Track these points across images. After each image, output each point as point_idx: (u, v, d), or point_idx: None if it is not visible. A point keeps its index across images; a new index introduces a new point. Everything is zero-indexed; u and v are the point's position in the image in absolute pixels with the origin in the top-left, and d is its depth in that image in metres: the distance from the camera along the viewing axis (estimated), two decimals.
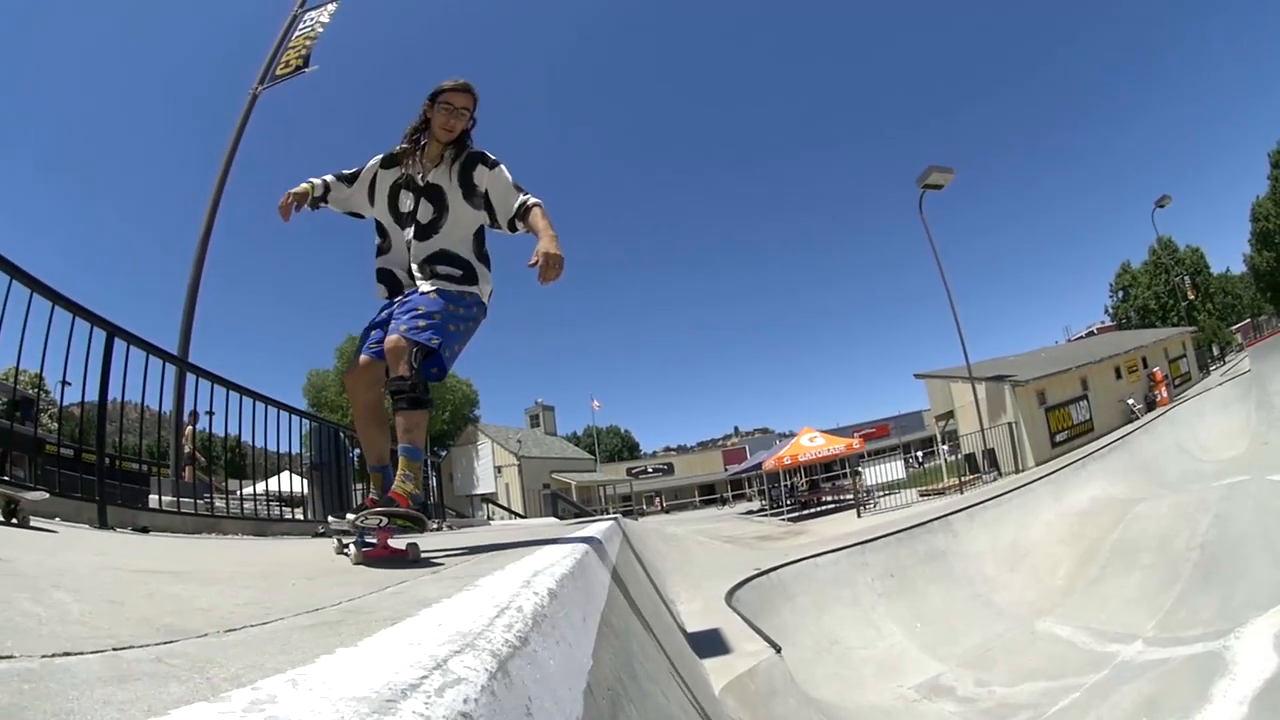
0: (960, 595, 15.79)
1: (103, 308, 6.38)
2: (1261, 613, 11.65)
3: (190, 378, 9.27)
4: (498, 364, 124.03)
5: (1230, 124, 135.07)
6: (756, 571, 13.70)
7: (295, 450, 11.92)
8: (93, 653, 1.24)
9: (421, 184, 4.09)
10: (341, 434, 11.44)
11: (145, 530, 6.56)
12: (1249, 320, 64.76)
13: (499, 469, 54.48)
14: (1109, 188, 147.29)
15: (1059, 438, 27.93)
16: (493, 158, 4.09)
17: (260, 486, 11.99)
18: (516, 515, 31.76)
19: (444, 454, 53.20)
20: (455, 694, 1.07)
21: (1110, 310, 73.06)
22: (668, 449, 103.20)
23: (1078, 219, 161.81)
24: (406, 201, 4.12)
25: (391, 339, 3.62)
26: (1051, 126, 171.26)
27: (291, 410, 10.07)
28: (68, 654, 1.22)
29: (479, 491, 44.58)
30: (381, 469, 4.01)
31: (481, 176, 4.06)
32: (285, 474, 12.76)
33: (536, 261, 3.62)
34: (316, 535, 8.13)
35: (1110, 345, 37.51)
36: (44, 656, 1.19)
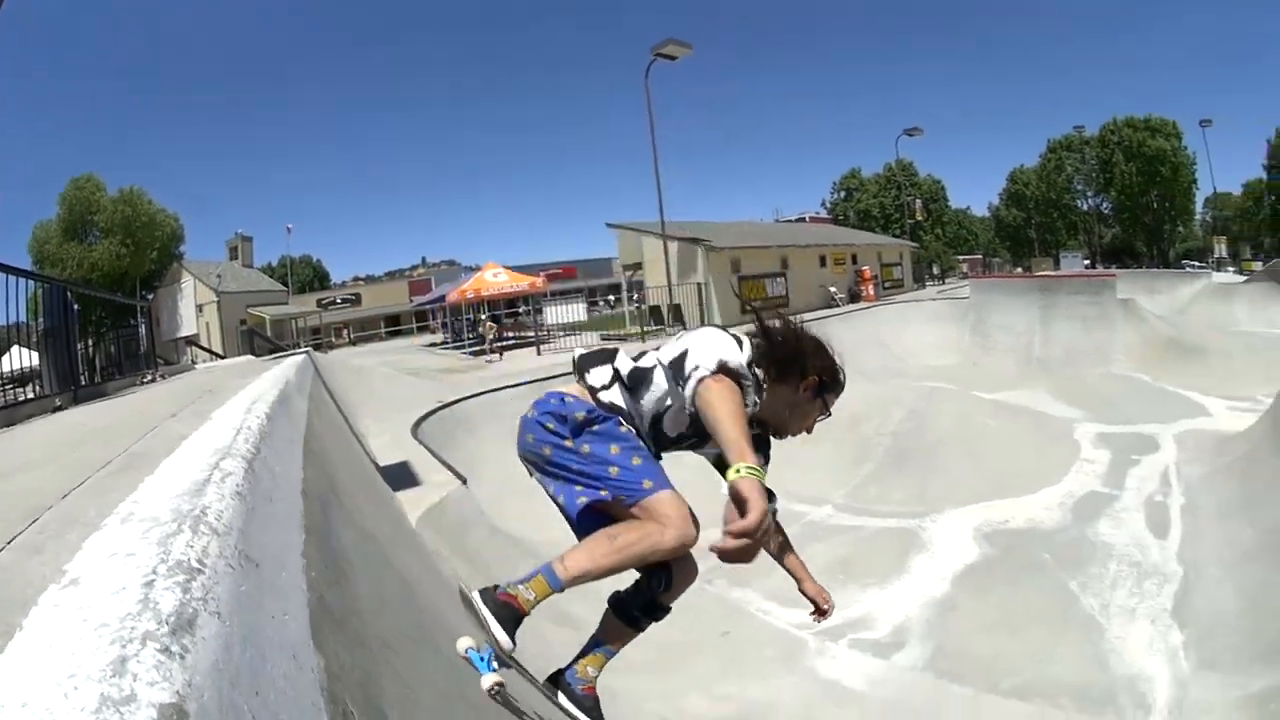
0: None
1: None
2: (959, 507, 12.92)
3: None
4: (203, 194, 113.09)
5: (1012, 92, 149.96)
6: (440, 404, 14.05)
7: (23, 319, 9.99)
8: None
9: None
10: (69, 293, 10.00)
11: None
12: (981, 256, 73.69)
13: (200, 308, 53.07)
14: (870, 106, 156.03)
15: (749, 305, 29.33)
16: None
17: None
18: (217, 356, 31.69)
19: (150, 296, 48.77)
20: (232, 480, 1.98)
21: (828, 204, 78.61)
22: (356, 279, 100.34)
23: (824, 121, 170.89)
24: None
25: None
26: (838, 33, 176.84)
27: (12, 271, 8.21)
28: None
29: (183, 334, 43.93)
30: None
31: None
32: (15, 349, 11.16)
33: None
34: (54, 410, 7.66)
35: (820, 235, 39.88)
36: None
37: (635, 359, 3.24)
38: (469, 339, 34.77)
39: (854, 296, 34.51)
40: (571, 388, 3.22)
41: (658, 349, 3.24)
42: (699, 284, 28.84)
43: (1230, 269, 53.34)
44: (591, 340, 25.90)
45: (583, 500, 2.99)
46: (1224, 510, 11.60)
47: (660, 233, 28.95)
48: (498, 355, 23.32)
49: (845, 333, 25.63)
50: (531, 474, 3.27)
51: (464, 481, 9.39)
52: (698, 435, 3.10)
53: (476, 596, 3.16)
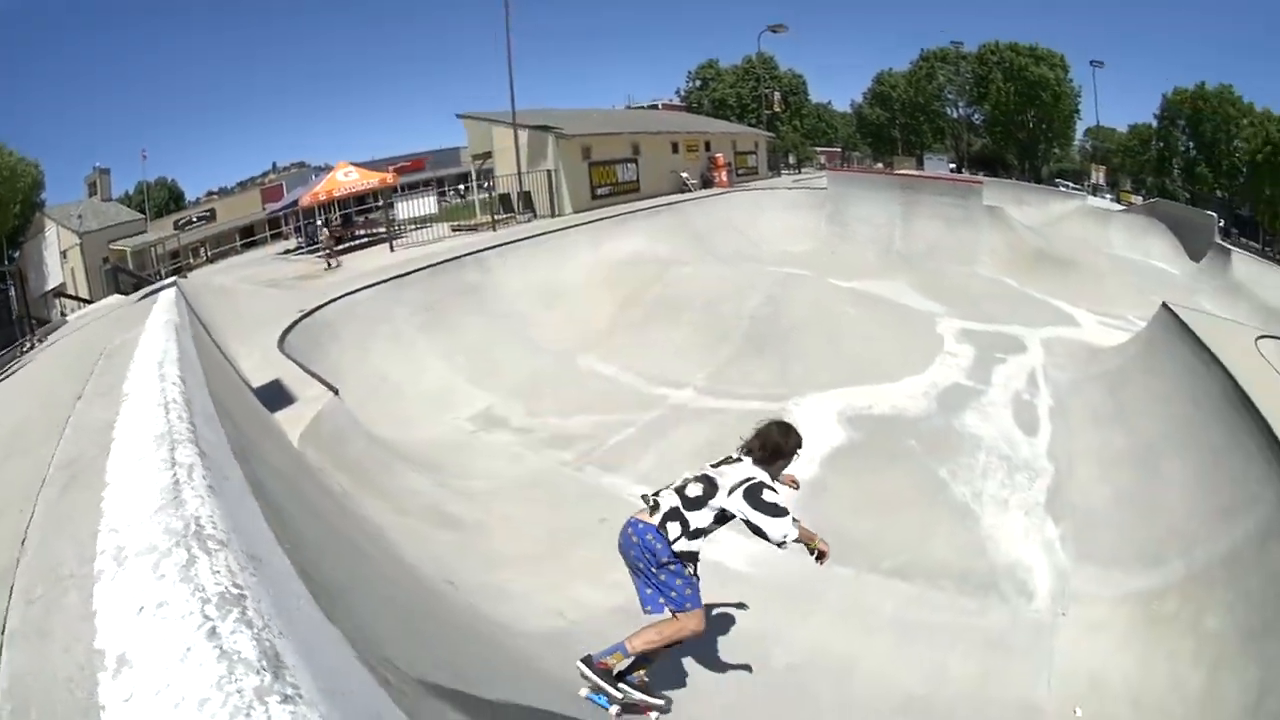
0: (499, 329, 16.09)
1: None
2: (821, 391, 12.80)
3: None
4: (56, 131, 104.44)
5: None
6: (301, 314, 14.02)
7: None
8: None
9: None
10: None
11: None
12: (840, 149, 74.06)
13: (64, 254, 49.19)
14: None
15: (600, 191, 29.45)
16: None
17: None
18: (85, 302, 29.67)
19: (16, 255, 46.30)
20: (197, 473, 1.92)
21: (682, 94, 77.62)
22: (210, 194, 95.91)
23: (681, 10, 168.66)
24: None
25: None
26: None
27: None
28: None
29: (50, 286, 40.33)
30: None
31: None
32: None
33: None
34: None
35: (673, 122, 39.31)
36: None
37: (691, 510, 4.86)
38: (323, 241, 34.28)
39: (707, 183, 34.14)
40: (649, 518, 4.90)
41: (710, 497, 4.87)
42: (549, 171, 28.42)
43: (1107, 196, 55.30)
44: (443, 231, 26.06)
45: (649, 605, 4.92)
46: (1095, 417, 11.81)
47: (511, 122, 28.77)
48: (337, 262, 22.24)
49: (699, 217, 25.73)
50: (624, 561, 5.05)
51: (335, 392, 9.92)
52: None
53: (582, 665, 5.06)
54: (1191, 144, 64.07)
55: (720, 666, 6.20)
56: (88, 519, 1.61)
